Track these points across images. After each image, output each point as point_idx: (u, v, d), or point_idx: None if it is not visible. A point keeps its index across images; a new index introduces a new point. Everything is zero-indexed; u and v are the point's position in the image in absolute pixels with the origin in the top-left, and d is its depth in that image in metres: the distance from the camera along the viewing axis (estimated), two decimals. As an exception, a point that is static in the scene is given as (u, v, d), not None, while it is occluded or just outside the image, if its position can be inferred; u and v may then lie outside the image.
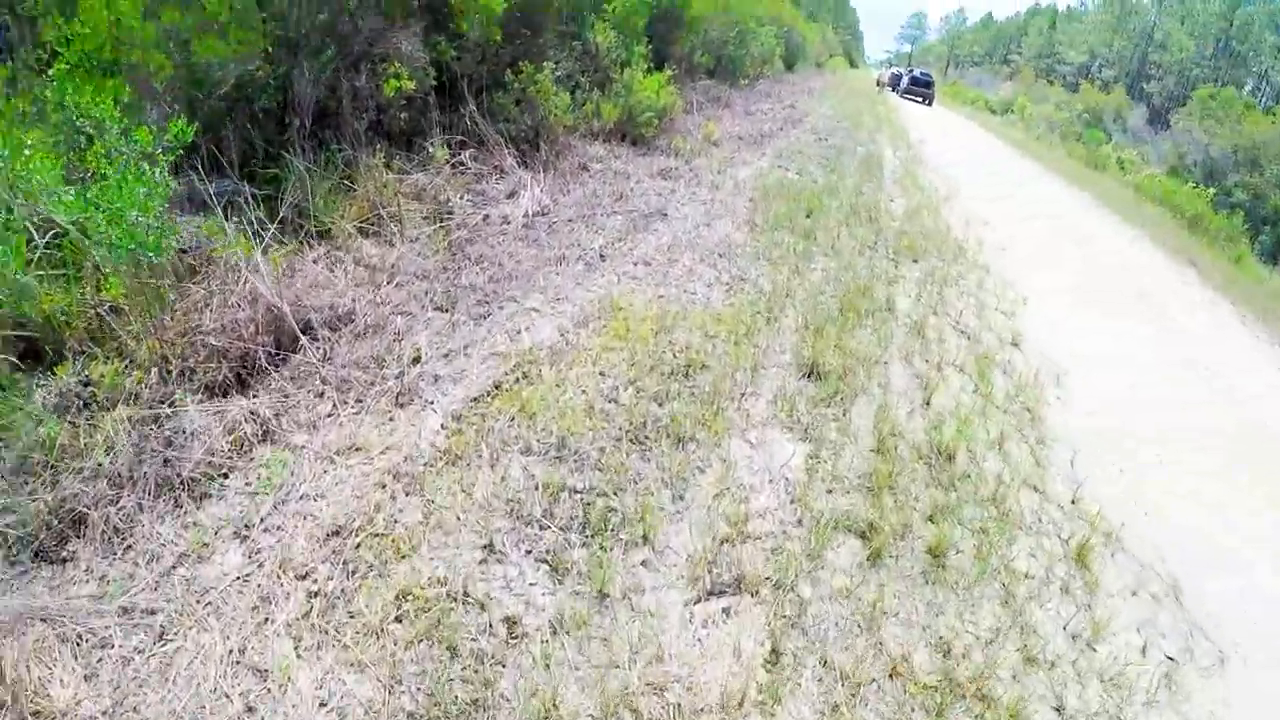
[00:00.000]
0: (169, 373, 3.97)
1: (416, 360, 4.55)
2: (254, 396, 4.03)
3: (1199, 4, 49.06)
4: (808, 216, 8.43)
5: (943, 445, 4.47)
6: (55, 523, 3.04)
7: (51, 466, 3.26)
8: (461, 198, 7.19)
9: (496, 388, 4.33)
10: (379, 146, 7.09)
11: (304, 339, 4.47)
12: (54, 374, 3.73)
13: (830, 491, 3.94)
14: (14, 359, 3.85)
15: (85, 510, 3.08)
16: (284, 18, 6.58)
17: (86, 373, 3.79)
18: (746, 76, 20.72)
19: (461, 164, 7.78)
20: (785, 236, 7.59)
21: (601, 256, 6.42)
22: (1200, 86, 35.67)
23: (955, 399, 5.16)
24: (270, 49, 6.58)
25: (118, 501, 3.18)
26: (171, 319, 4.30)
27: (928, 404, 5.00)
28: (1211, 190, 21.73)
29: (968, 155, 19.71)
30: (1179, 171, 25.35)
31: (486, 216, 6.94)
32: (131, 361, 3.95)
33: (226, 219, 5.23)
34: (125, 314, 4.10)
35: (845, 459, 4.21)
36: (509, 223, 6.88)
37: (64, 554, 2.99)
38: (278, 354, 4.39)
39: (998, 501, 4.11)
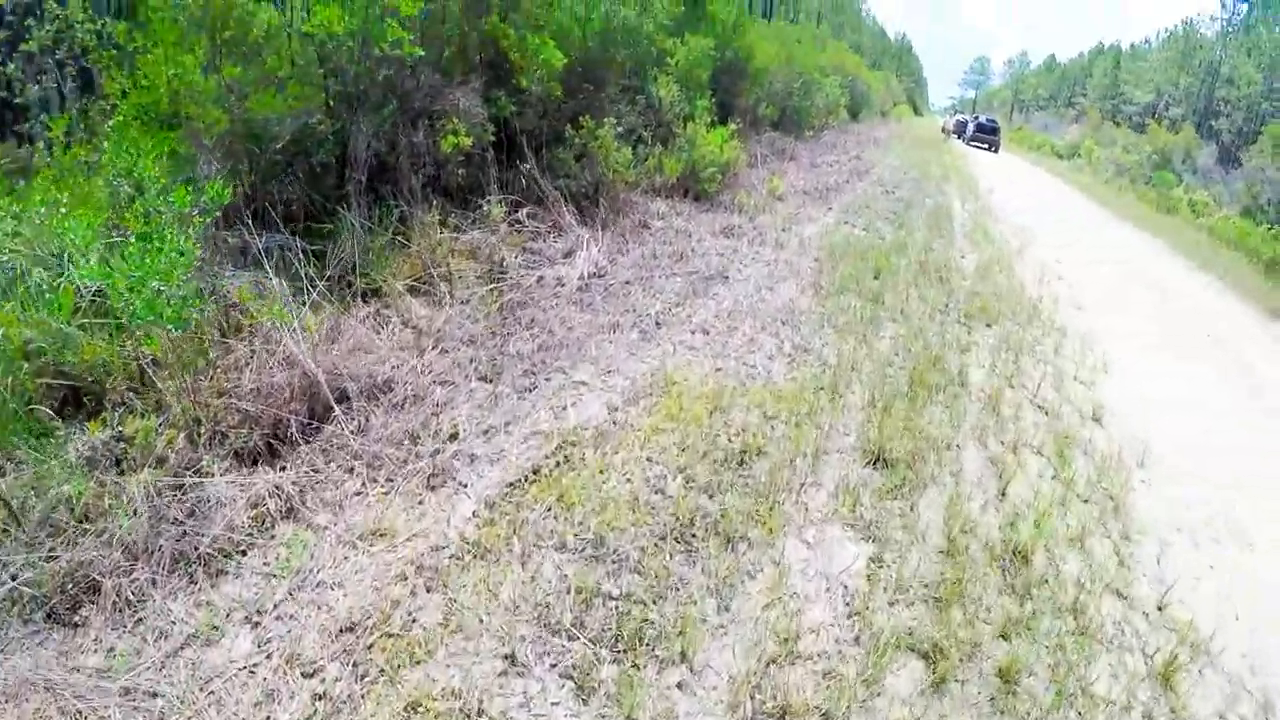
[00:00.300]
0: (199, 435, 3.83)
1: (454, 437, 4.31)
2: (281, 469, 3.85)
3: (1265, 35, 47.50)
4: (875, 278, 8.06)
5: (1018, 545, 4.01)
6: (70, 586, 2.97)
7: (75, 524, 3.19)
8: (516, 257, 7.02)
9: (535, 472, 4.03)
10: (435, 203, 6.99)
11: (338, 410, 4.27)
12: (90, 426, 3.68)
13: (893, 604, 3.52)
14: (54, 406, 3.83)
15: (99, 578, 3.00)
16: (343, 73, 6.50)
17: (121, 427, 3.71)
18: (811, 127, 20.52)
19: (519, 222, 7.61)
20: (852, 300, 7.22)
21: (657, 324, 6.14)
22: (1270, 121, 34.29)
23: (1033, 487, 4.69)
24: (330, 103, 6.52)
25: (131, 573, 3.06)
26: (210, 378, 4.19)
27: (1003, 495, 4.55)
28: None
29: (1037, 203, 19.32)
30: (1253, 212, 24.19)
31: (541, 278, 6.74)
32: (167, 419, 3.85)
33: (277, 274, 5.16)
34: (166, 367, 4.01)
35: (911, 563, 3.79)
36: (563, 285, 6.66)
37: (76, 619, 2.91)
38: (310, 423, 4.21)
39: (1077, 611, 3.64)
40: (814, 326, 6.49)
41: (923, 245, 10.08)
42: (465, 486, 3.90)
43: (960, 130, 46.36)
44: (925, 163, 22.94)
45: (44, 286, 4.25)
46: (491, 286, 6.38)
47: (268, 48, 6.21)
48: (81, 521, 3.22)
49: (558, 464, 4.12)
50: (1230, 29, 50.37)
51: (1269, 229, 20.23)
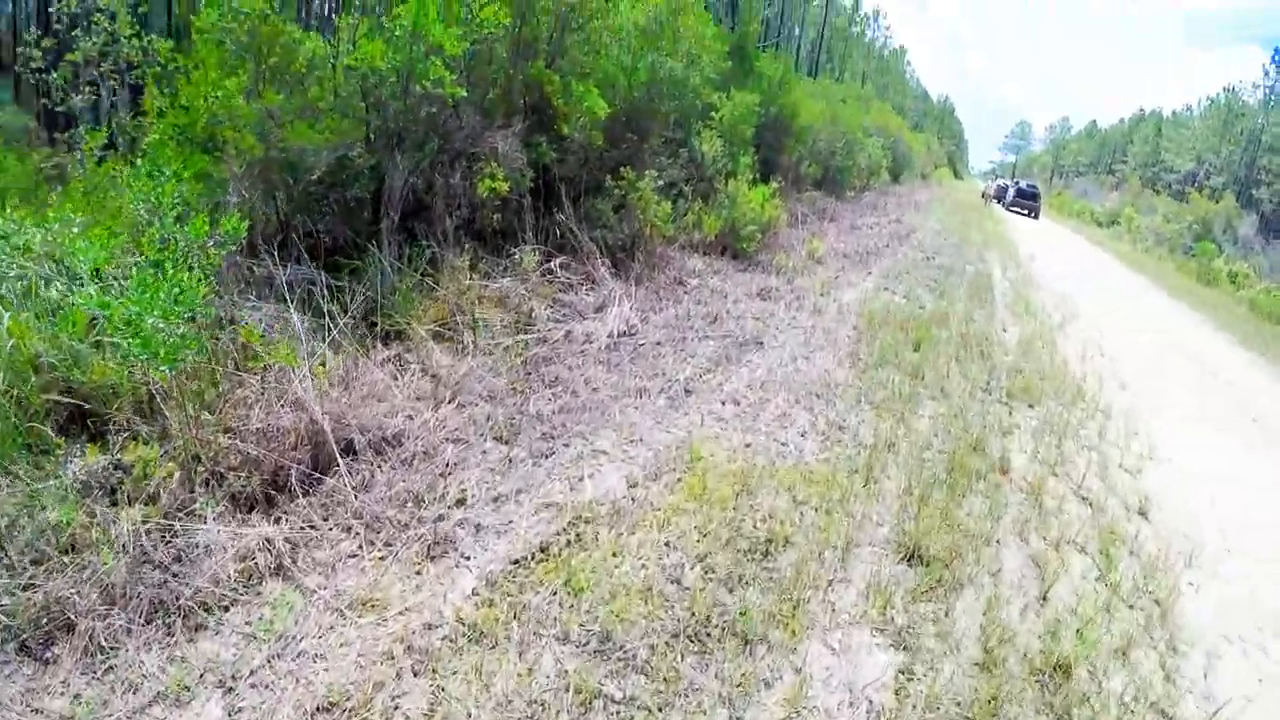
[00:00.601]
0: (196, 474, 3.67)
1: (461, 502, 4.07)
2: (276, 520, 3.65)
3: None
4: (915, 349, 7.76)
5: (1059, 658, 3.66)
6: (45, 620, 2.85)
7: (60, 554, 3.09)
8: (546, 308, 6.84)
9: (543, 550, 3.75)
10: (467, 246, 6.87)
11: (342, 463, 4.04)
12: (90, 450, 3.59)
13: (924, 724, 3.19)
14: (59, 424, 3.74)
15: (75, 618, 2.87)
16: (384, 108, 6.42)
17: (120, 454, 3.60)
18: (853, 188, 20.42)
19: (551, 271, 7.44)
20: (890, 374, 6.91)
21: (687, 390, 5.87)
22: None
23: (1076, 590, 4.33)
24: (371, 137, 6.42)
25: (107, 616, 2.90)
26: (220, 411, 4.02)
27: (1044, 599, 4.19)
28: None
29: (1078, 271, 19.17)
30: None
31: (569, 332, 6.55)
32: (168, 452, 3.69)
33: (300, 308, 5.03)
34: (175, 396, 3.85)
35: (944, 676, 3.45)
36: (592, 341, 6.45)
37: (48, 655, 2.78)
38: (313, 473, 4.00)
39: (1120, 734, 3.29)
40: (850, 402, 6.18)
41: (964, 316, 9.79)
42: (467, 559, 3.64)
43: (1001, 195, 46.19)
44: (966, 227, 22.73)
45: (58, 302, 4.14)
46: (518, 338, 6.19)
47: (310, 78, 6.18)
48: (66, 552, 3.10)
49: (569, 542, 3.84)
50: (1273, 97, 49.93)
51: None
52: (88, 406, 3.83)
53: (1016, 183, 48.67)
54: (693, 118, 11.13)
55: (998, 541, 4.63)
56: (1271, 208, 42.85)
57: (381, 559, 3.54)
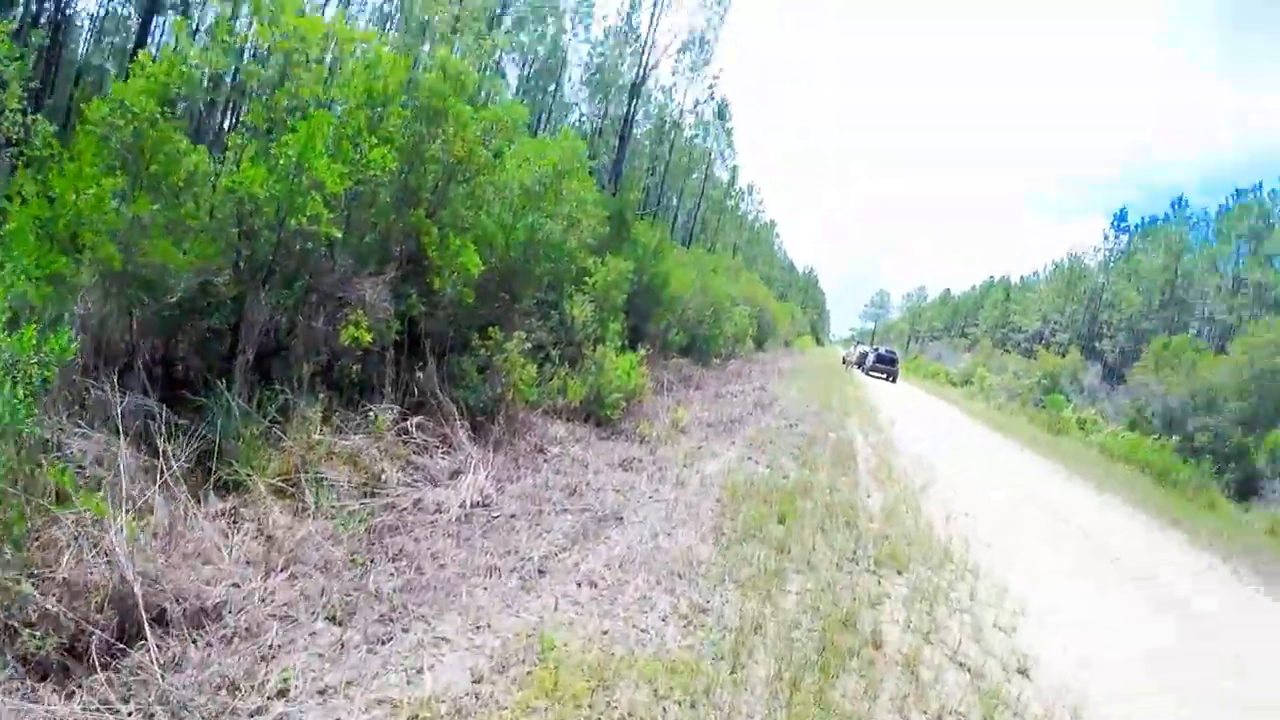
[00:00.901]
0: None
1: (283, 694, 3.53)
2: (69, 696, 3.13)
3: (1143, 260, 52.05)
4: (780, 522, 7.61)
5: None
6: None
7: None
8: (399, 471, 6.45)
9: (371, 761, 3.26)
10: (322, 396, 6.47)
11: (150, 636, 3.52)
12: None
13: None
14: None
15: None
16: (257, 236, 6.16)
17: None
18: (719, 355, 20.90)
19: (407, 431, 7.06)
20: (755, 550, 6.67)
21: (540, 570, 5.44)
22: (1151, 338, 37.28)
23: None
24: (240, 265, 6.12)
25: None
26: (16, 553, 3.51)
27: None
28: (1175, 439, 22.70)
29: (937, 433, 20.20)
30: (1138, 424, 26.05)
31: (419, 500, 6.13)
32: None
33: (133, 444, 4.63)
34: None
35: None
36: (443, 511, 6.04)
37: None
38: (118, 642, 3.47)
39: None
40: (714, 581, 5.87)
41: (828, 484, 9.80)
42: (281, 773, 3.12)
43: (861, 361, 48.60)
44: (827, 393, 23.53)
45: None
46: (365, 502, 5.76)
47: (188, 193, 5.92)
48: None
49: (401, 751, 3.36)
50: (1113, 257, 55.32)
51: (1155, 439, 21.51)
52: None
53: (876, 349, 51.48)
54: (566, 281, 11.21)
55: (875, 724, 4.37)
56: (1114, 357, 46.67)
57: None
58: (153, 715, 3.16)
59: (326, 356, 6.93)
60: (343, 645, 4.01)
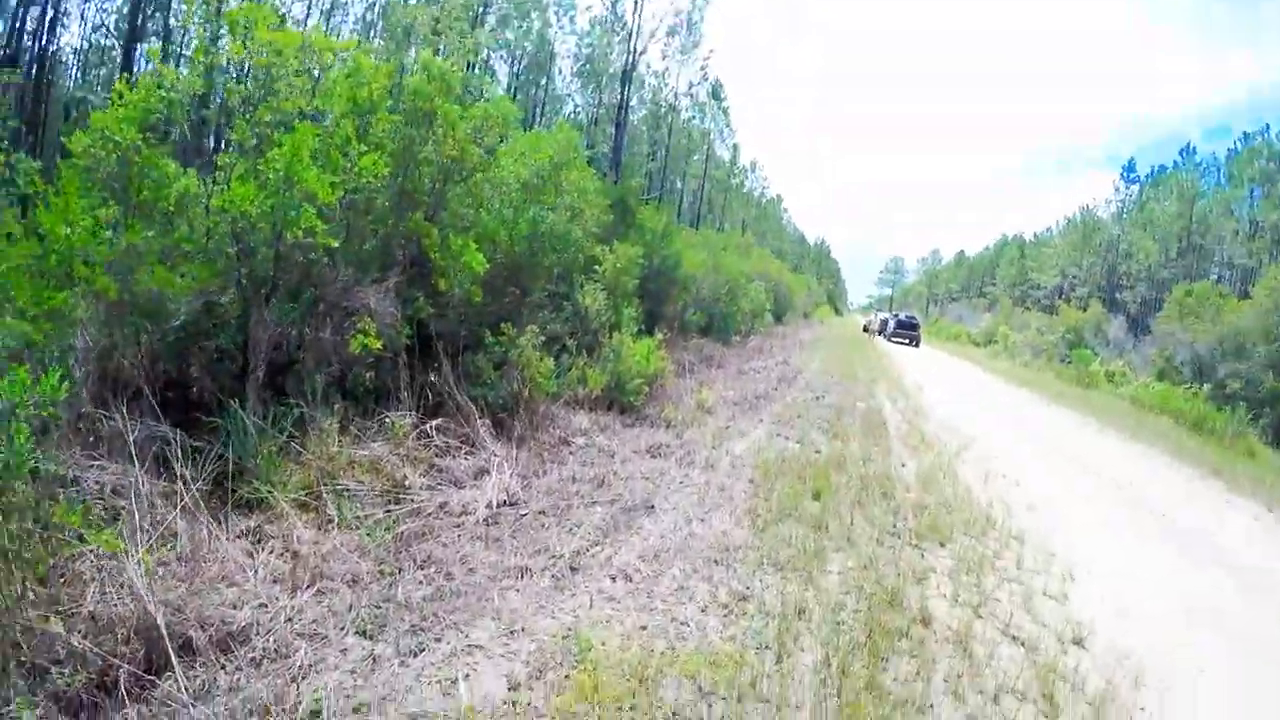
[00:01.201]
0: (10, 668, 3.10)
1: (315, 714, 3.40)
2: None
3: (1157, 209, 51.37)
4: (816, 498, 7.42)
5: None
6: None
7: None
8: (421, 475, 6.35)
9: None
10: (338, 407, 6.38)
11: (178, 666, 3.43)
12: None
13: None
14: None
15: None
16: (254, 254, 6.11)
17: None
18: (739, 333, 20.72)
19: (427, 434, 6.93)
20: (792, 529, 6.49)
21: (573, 568, 5.29)
22: (1173, 286, 36.68)
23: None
24: (242, 283, 6.08)
25: None
26: (42, 590, 3.45)
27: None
28: (1206, 387, 22.32)
29: (965, 394, 19.99)
30: (1167, 374, 25.64)
31: (445, 504, 6.01)
32: None
33: (150, 471, 4.56)
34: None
35: None
36: (469, 513, 5.91)
37: None
38: (146, 674, 3.38)
39: None
40: (752, 566, 5.69)
41: (860, 456, 9.60)
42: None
43: (883, 328, 48.11)
44: (850, 363, 23.30)
45: None
46: (389, 510, 5.64)
47: (181, 218, 5.87)
48: None
49: (438, 773, 3.21)
50: (1125, 208, 54.65)
51: (1187, 388, 21.12)
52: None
53: (896, 315, 50.98)
54: (576, 271, 11.10)
55: (931, 706, 4.16)
56: (1136, 308, 46.07)
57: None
58: (181, 750, 3.02)
59: (338, 366, 6.83)
60: (374, 660, 3.89)
